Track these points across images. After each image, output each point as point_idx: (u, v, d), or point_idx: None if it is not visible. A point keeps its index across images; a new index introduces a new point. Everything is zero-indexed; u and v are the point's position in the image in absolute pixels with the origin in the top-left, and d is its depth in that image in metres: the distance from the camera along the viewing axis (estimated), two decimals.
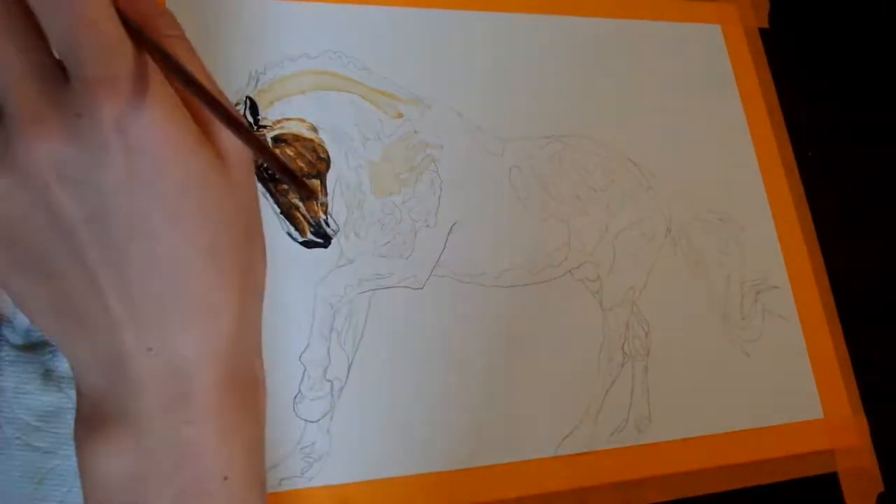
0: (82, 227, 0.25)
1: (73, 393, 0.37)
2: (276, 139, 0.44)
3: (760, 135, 0.55)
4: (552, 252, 0.47)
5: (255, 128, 0.43)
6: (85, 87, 0.24)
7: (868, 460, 0.50)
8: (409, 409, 0.42)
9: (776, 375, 0.49)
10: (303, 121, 0.44)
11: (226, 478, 0.27)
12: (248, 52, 0.45)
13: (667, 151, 0.52)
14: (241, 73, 0.44)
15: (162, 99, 0.25)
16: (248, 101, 0.44)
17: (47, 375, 0.37)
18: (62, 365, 0.37)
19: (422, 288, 0.44)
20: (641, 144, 0.51)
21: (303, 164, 0.44)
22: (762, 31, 0.57)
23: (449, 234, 0.46)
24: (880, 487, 0.49)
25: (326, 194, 0.44)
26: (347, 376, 0.42)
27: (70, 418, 0.37)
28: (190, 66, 0.26)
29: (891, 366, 0.53)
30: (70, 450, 0.36)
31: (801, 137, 0.55)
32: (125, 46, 0.24)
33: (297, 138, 0.44)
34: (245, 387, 0.28)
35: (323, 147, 0.45)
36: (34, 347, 0.37)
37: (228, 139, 0.27)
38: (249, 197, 0.28)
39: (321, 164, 0.44)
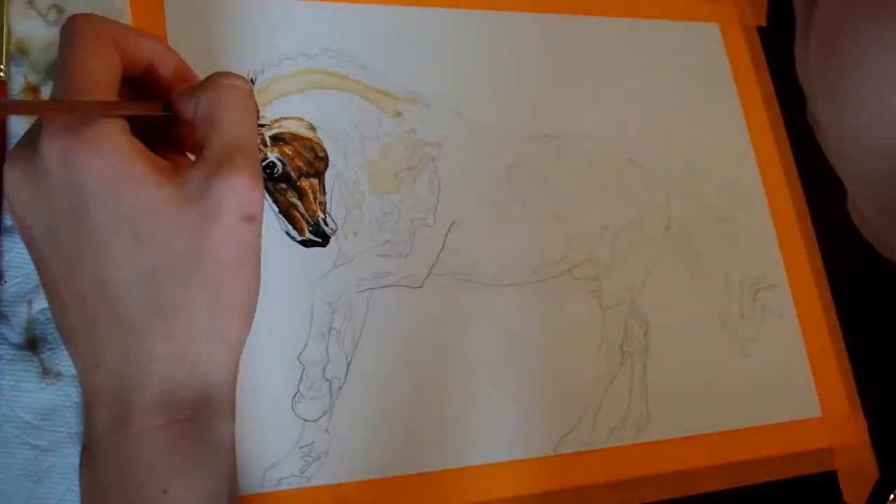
0: (42, 242, 0.29)
1: (71, 391, 0.37)
2: (275, 138, 0.44)
3: (759, 133, 0.55)
4: (551, 251, 0.47)
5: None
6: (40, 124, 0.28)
7: (866, 458, 0.50)
8: (407, 408, 0.42)
9: (775, 374, 0.50)
10: (301, 120, 0.44)
11: (165, 491, 0.29)
12: (246, 51, 0.45)
13: (665, 150, 0.52)
14: (239, 72, 0.44)
15: (104, 135, 0.28)
16: None
17: (46, 373, 0.37)
18: (61, 363, 0.37)
19: (420, 287, 0.44)
20: (640, 143, 0.51)
21: (301, 164, 0.44)
22: (760, 30, 0.57)
23: (447, 232, 0.46)
24: None
25: (325, 193, 0.44)
26: (346, 375, 0.42)
27: (69, 417, 0.37)
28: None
29: (889, 364, 0.53)
30: (68, 448, 0.36)
31: (799, 136, 0.55)
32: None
33: (296, 137, 0.44)
34: (194, 408, 0.30)
35: (321, 146, 0.45)
36: (33, 345, 0.37)
37: (215, 186, 0.29)
38: (215, 246, 0.29)
39: (319, 163, 0.44)
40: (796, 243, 0.53)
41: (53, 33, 0.41)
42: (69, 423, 0.36)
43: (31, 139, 0.29)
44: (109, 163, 0.28)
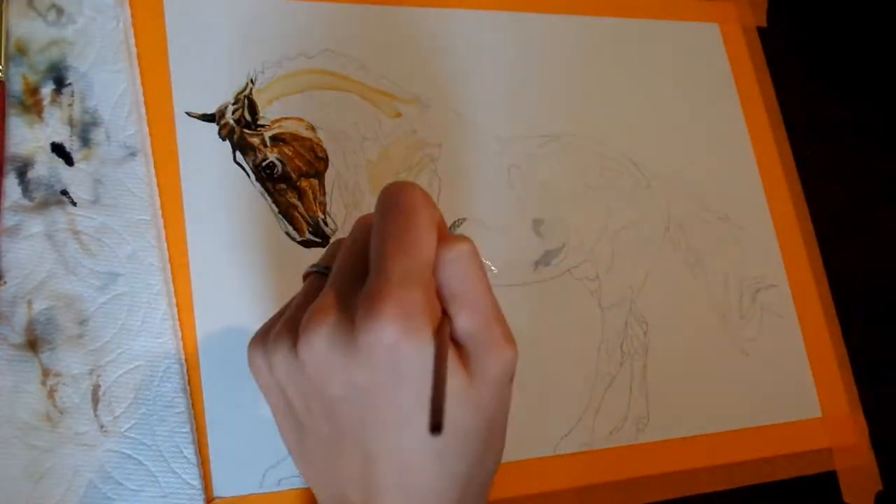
0: (339, 404, 0.30)
1: (71, 391, 0.37)
2: (275, 138, 0.44)
3: (758, 133, 0.55)
4: (551, 251, 0.47)
5: (254, 127, 0.43)
6: (369, 299, 0.29)
7: (866, 459, 0.50)
8: None
9: (774, 374, 0.50)
10: (301, 120, 0.44)
11: None
12: (246, 51, 0.45)
13: (665, 150, 0.52)
14: (239, 73, 0.44)
15: (430, 332, 0.29)
16: (246, 101, 0.44)
17: (46, 373, 0.37)
18: (61, 363, 0.37)
19: None
20: (640, 143, 0.51)
21: (301, 164, 0.44)
22: (760, 30, 0.57)
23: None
24: (879, 486, 0.49)
25: (325, 194, 0.44)
26: None
27: (69, 417, 0.36)
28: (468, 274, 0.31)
29: (889, 364, 0.53)
30: (68, 448, 0.36)
31: (799, 136, 0.55)
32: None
33: (296, 137, 0.44)
34: None
35: (321, 146, 0.45)
36: (33, 345, 0.37)
37: (492, 365, 0.30)
38: (492, 417, 0.31)
39: (319, 163, 0.44)
40: (796, 243, 0.53)
41: (52, 34, 0.41)
42: (69, 424, 0.36)
43: (347, 306, 0.30)
44: (428, 357, 0.29)
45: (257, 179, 0.43)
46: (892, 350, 0.54)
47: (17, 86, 0.40)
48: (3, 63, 0.40)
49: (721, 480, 0.46)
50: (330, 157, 0.44)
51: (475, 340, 0.31)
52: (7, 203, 0.38)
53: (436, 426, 0.27)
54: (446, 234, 0.32)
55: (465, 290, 0.31)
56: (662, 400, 0.47)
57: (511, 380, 0.32)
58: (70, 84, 0.41)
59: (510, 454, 0.43)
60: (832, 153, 0.57)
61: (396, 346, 0.28)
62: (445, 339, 0.30)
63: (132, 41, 0.42)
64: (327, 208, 0.44)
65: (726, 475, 0.46)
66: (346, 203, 0.44)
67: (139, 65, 0.42)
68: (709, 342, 0.49)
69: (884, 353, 0.53)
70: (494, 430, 0.32)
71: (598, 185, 0.50)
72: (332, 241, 0.43)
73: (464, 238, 0.32)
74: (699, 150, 0.53)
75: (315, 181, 0.44)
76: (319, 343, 0.30)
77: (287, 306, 0.34)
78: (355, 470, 0.31)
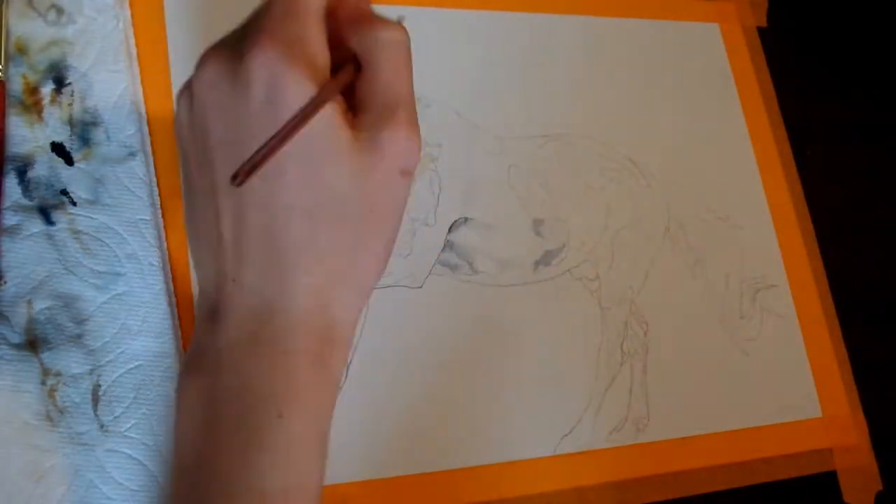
0: (216, 145, 0.28)
1: (71, 392, 0.37)
2: None
3: (759, 133, 0.55)
4: (551, 251, 0.47)
5: None
6: (253, 33, 0.28)
7: (867, 459, 0.50)
8: (407, 409, 0.42)
9: (775, 374, 0.50)
10: None
11: (280, 415, 0.29)
12: None
13: (665, 150, 0.52)
14: None
15: (313, 67, 0.28)
16: None
17: (46, 373, 0.37)
18: (61, 363, 0.37)
19: (420, 287, 0.44)
20: (640, 143, 0.51)
21: None
22: (760, 30, 0.57)
23: (448, 232, 0.46)
24: (879, 486, 0.49)
25: None
26: (346, 376, 0.42)
27: (69, 417, 0.36)
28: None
29: (889, 364, 0.53)
30: (68, 448, 0.36)
31: (799, 136, 0.55)
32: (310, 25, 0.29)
33: None
34: (320, 342, 0.30)
35: None
36: (33, 345, 0.37)
37: (386, 142, 0.29)
38: (374, 194, 0.29)
39: None
40: (796, 243, 0.53)
41: (52, 33, 0.41)
42: (69, 423, 0.36)
43: (236, 44, 0.29)
44: (306, 97, 0.28)
45: None
46: (892, 350, 0.54)
47: (17, 85, 0.40)
48: (3, 63, 0.40)
49: (721, 480, 0.46)
50: None
51: (375, 114, 0.29)
52: (7, 203, 0.38)
53: (235, 175, 0.26)
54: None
55: (377, 69, 0.30)
56: (662, 400, 0.47)
57: (405, 174, 0.30)
58: (70, 84, 0.41)
59: (510, 454, 0.43)
60: (832, 153, 0.57)
61: (272, 75, 0.27)
62: (332, 84, 0.28)
63: (132, 41, 0.42)
64: None
65: (726, 475, 0.46)
66: None
67: (139, 65, 0.42)
68: (709, 342, 0.49)
69: (884, 353, 0.53)
70: (376, 213, 0.30)
71: (598, 185, 0.50)
72: None
73: (395, 28, 0.31)
74: (699, 150, 0.53)
75: None
76: (207, 74, 0.29)
77: None
78: (228, 231, 0.29)
